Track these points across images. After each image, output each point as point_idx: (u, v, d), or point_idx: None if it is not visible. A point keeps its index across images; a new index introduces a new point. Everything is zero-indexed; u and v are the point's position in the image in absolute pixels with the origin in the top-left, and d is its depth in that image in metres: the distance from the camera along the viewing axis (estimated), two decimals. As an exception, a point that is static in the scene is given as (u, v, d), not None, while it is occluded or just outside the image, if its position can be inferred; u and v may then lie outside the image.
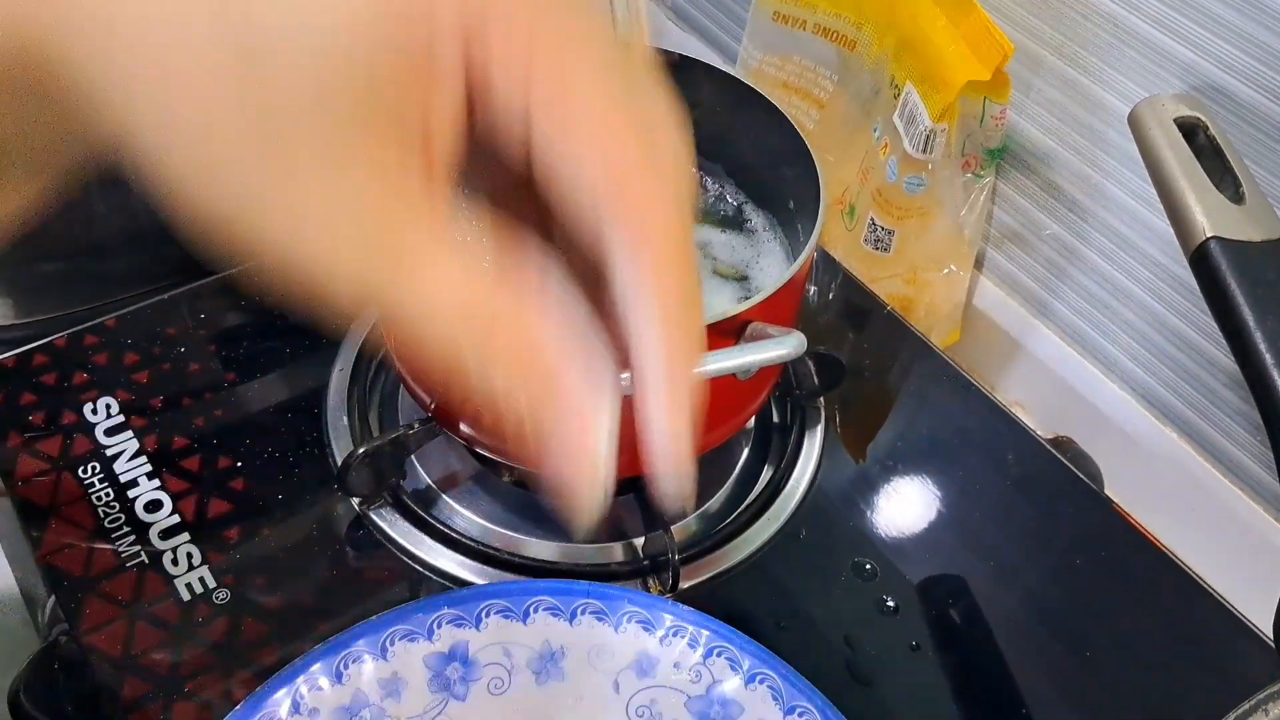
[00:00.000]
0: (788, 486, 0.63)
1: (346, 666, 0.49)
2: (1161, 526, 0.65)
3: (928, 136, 0.80)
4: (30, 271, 0.65)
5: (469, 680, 0.51)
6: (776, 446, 0.65)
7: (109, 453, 0.60)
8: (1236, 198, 0.50)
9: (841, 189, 0.92)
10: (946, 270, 0.89)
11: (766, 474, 0.64)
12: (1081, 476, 0.65)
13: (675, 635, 0.51)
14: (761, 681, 0.50)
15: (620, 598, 0.51)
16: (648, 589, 0.58)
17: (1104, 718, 0.56)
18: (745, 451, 0.65)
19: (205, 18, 0.22)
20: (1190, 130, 0.53)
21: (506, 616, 0.51)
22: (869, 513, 0.63)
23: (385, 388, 0.66)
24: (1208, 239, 0.48)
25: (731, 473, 0.64)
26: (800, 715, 0.49)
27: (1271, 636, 0.45)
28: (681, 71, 0.62)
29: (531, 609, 0.51)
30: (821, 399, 0.67)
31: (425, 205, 0.24)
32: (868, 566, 0.60)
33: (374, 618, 0.51)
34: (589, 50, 0.25)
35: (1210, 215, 0.49)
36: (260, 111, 0.23)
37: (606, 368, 0.26)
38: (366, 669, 0.49)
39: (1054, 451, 0.66)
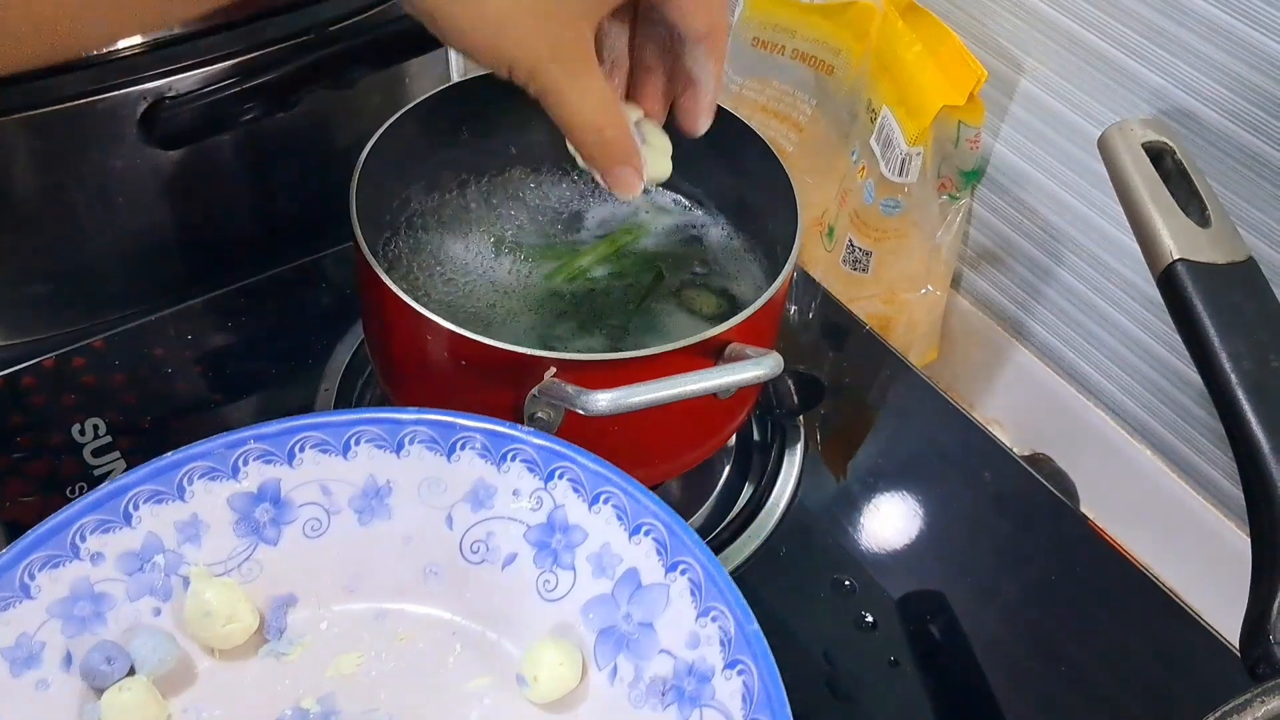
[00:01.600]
0: (768, 504, 0.63)
1: (136, 507, 0.44)
2: (1135, 541, 0.66)
3: (904, 160, 0.81)
4: (18, 293, 0.66)
5: (281, 523, 0.46)
6: (757, 464, 0.66)
7: (97, 474, 0.60)
8: (1203, 221, 0.51)
9: (820, 211, 0.94)
10: (924, 290, 0.90)
11: (747, 491, 0.65)
12: (1057, 493, 0.66)
13: (514, 459, 0.46)
14: (606, 501, 0.45)
15: (452, 425, 0.46)
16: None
17: (1079, 730, 0.57)
18: (726, 469, 0.66)
19: None
20: (1158, 155, 0.54)
21: (324, 450, 0.46)
22: (848, 529, 0.63)
23: (371, 406, 0.66)
24: (1174, 261, 0.49)
25: (712, 490, 0.65)
26: (647, 533, 0.45)
27: (1239, 650, 0.45)
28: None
29: (353, 440, 0.46)
30: (801, 417, 0.68)
31: (589, 37, 0.45)
32: (847, 583, 0.61)
33: (168, 454, 0.45)
34: None
35: (1177, 238, 0.50)
36: None
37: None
38: (161, 510, 0.45)
39: (1030, 469, 0.67)
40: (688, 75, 0.50)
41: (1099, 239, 0.82)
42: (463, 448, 0.46)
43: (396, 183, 0.60)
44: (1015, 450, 0.68)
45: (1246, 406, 0.45)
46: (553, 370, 0.48)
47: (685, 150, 0.64)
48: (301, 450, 0.46)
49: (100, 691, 0.44)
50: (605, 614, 0.45)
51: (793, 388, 0.69)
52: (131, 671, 0.44)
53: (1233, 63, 0.68)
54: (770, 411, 0.68)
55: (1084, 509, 0.66)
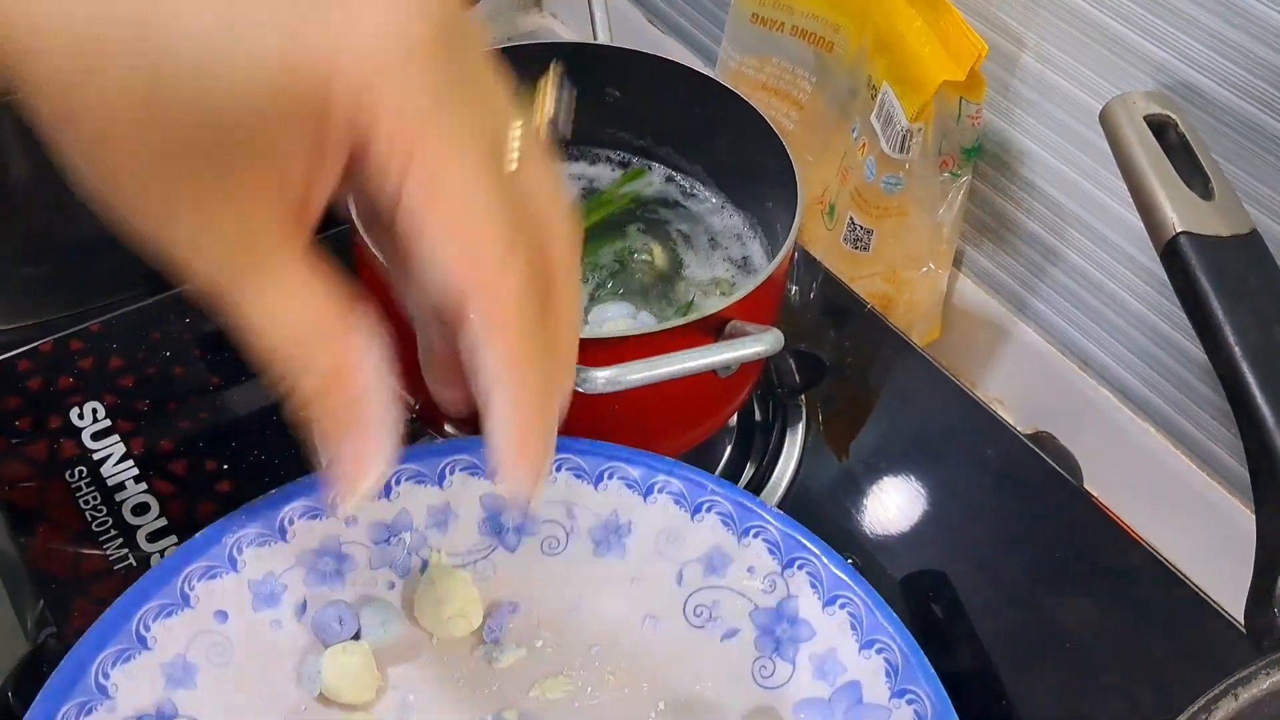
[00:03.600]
0: (770, 483, 0.63)
1: (399, 482, 0.46)
2: (1139, 519, 0.66)
3: (905, 136, 0.81)
4: (15, 276, 0.66)
5: (523, 533, 0.47)
6: (759, 444, 0.66)
7: (96, 456, 0.60)
8: (1206, 194, 0.51)
9: (821, 189, 0.93)
10: (925, 269, 0.90)
11: (749, 471, 0.64)
12: (1061, 471, 0.66)
13: (755, 536, 0.46)
14: (843, 606, 0.44)
15: (703, 484, 0.46)
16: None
17: (1084, 707, 0.57)
18: (728, 449, 0.66)
19: (127, 28, 0.24)
20: (1160, 127, 0.54)
21: (578, 476, 0.47)
22: (851, 509, 0.63)
23: (370, 390, 0.66)
24: (1177, 234, 0.49)
25: (714, 470, 0.65)
26: (879, 651, 0.43)
27: (1244, 624, 0.45)
28: (660, 74, 0.62)
29: (606, 474, 0.47)
30: (803, 397, 0.67)
31: (286, 242, 0.29)
32: (850, 562, 0.60)
33: (437, 442, 0.47)
34: (469, 156, 0.28)
35: (1180, 211, 0.50)
36: (158, 131, 0.25)
37: (395, 418, 0.32)
38: (419, 491, 0.46)
39: (1033, 447, 0.67)
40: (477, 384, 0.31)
41: (1101, 215, 0.81)
42: (708, 510, 0.46)
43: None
44: (1018, 428, 0.68)
45: (1251, 379, 0.45)
46: (552, 349, 0.48)
47: (686, 128, 0.64)
48: (558, 470, 0.47)
49: (325, 647, 0.45)
50: (818, 719, 0.44)
51: (794, 367, 0.69)
52: (356, 636, 0.46)
53: (1238, 35, 0.67)
54: (772, 391, 0.67)
55: (1088, 486, 0.66)
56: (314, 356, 0.30)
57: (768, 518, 0.46)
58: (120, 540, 0.57)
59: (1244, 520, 0.78)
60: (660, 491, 0.47)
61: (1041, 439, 0.68)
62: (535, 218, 0.30)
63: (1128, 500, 0.73)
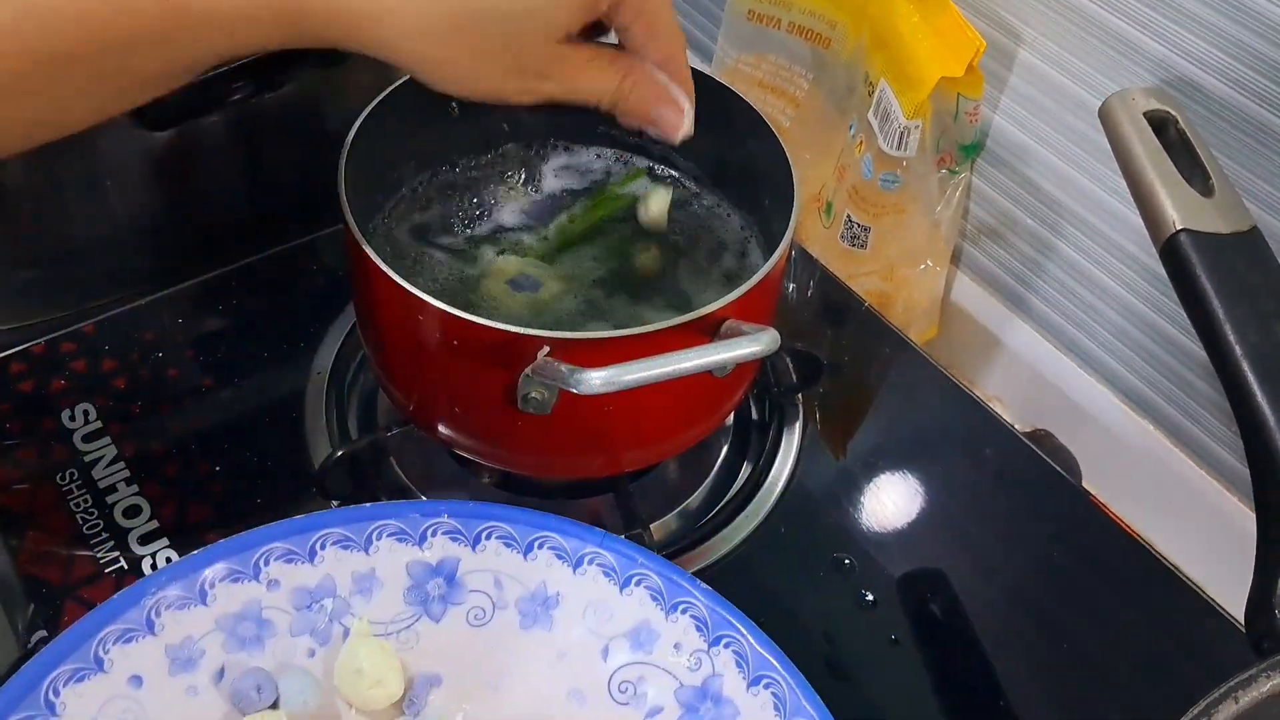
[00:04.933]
0: (767, 483, 0.63)
1: (323, 547, 0.45)
2: (1138, 517, 0.65)
3: (902, 133, 0.81)
4: (6, 278, 0.65)
5: (449, 602, 0.47)
6: (755, 443, 0.66)
7: (87, 459, 0.60)
8: (1206, 190, 0.51)
9: (818, 187, 0.93)
10: (923, 266, 0.89)
11: (745, 470, 0.64)
12: (1059, 469, 0.65)
13: (683, 612, 0.46)
14: (767, 686, 0.44)
15: (633, 557, 0.46)
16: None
17: (1082, 707, 0.57)
18: (724, 448, 0.66)
19: None
20: (1160, 124, 0.53)
21: (508, 545, 0.47)
22: (848, 508, 0.63)
23: (364, 391, 0.66)
24: (1177, 231, 0.49)
25: (710, 470, 0.64)
26: None
27: (1244, 626, 0.45)
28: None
29: (537, 544, 0.47)
30: (800, 396, 0.67)
31: (566, 53, 0.47)
32: (846, 561, 0.60)
33: (366, 504, 0.47)
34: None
35: (1180, 208, 0.49)
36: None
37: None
38: (345, 557, 0.46)
39: (1031, 445, 0.67)
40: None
41: (1100, 212, 0.81)
42: (637, 584, 0.46)
43: (387, 162, 0.60)
44: (1016, 427, 0.68)
45: (1251, 377, 0.45)
46: (546, 349, 0.47)
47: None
48: (488, 538, 0.47)
49: (243, 715, 0.44)
50: None
51: (791, 366, 0.68)
52: (275, 704, 0.45)
53: (1238, 30, 0.67)
54: (769, 390, 0.67)
55: (1086, 484, 0.66)
56: (625, 79, 0.49)
57: (696, 594, 0.46)
58: (112, 543, 0.57)
59: (1242, 518, 0.77)
60: (591, 563, 0.47)
61: (1039, 437, 0.68)
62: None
63: (1126, 499, 0.73)
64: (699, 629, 0.46)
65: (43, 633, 0.54)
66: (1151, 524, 0.66)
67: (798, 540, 0.61)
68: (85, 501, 0.58)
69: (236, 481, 0.60)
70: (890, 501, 0.64)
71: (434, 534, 0.47)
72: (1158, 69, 0.72)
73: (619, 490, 0.60)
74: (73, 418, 0.62)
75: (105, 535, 0.57)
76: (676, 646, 0.46)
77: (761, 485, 0.63)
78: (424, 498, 0.61)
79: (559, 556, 0.47)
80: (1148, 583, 0.61)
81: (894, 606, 0.59)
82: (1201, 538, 0.76)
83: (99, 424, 0.61)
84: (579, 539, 0.47)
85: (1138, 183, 0.51)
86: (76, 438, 0.61)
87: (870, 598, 0.59)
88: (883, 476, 0.65)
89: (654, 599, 0.46)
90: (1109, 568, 0.62)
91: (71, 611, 0.54)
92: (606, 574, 0.47)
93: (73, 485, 0.59)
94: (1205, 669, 0.58)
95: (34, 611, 0.55)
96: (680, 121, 0.51)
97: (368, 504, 0.47)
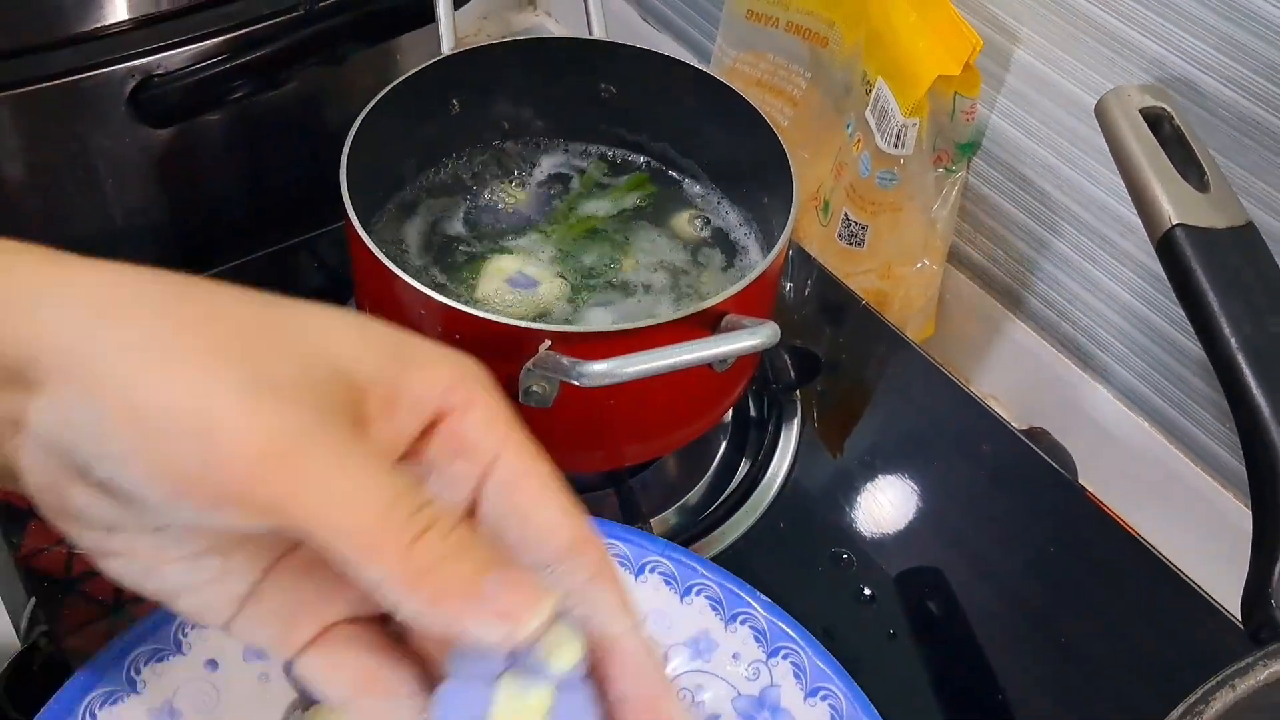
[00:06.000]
0: (765, 479, 0.63)
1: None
2: (1133, 513, 0.66)
3: (899, 131, 0.81)
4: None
5: None
6: (754, 439, 0.66)
7: (88, 455, 0.60)
8: (1201, 186, 0.51)
9: (816, 185, 0.93)
10: (920, 264, 0.90)
11: (744, 467, 0.64)
12: (1055, 466, 0.66)
13: (742, 623, 0.46)
14: (824, 698, 0.45)
15: (694, 568, 0.46)
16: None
17: (1079, 701, 0.57)
18: (723, 445, 0.66)
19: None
20: (1156, 120, 0.54)
21: None
22: (845, 504, 0.63)
23: (364, 387, 0.66)
24: (1173, 226, 0.49)
25: (709, 466, 0.65)
26: None
27: (1240, 618, 0.45)
28: (655, 69, 0.62)
29: None
30: (798, 392, 0.67)
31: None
32: (845, 557, 0.60)
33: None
34: (541, 467, 0.31)
35: (1175, 203, 0.50)
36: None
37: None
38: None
39: (1028, 442, 0.67)
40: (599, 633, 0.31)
41: (1096, 210, 0.81)
42: (697, 593, 0.46)
43: (388, 158, 0.60)
44: (1013, 424, 0.68)
45: (1247, 371, 0.45)
46: (547, 343, 0.48)
47: (682, 122, 0.64)
48: None
49: (306, 706, 0.42)
50: None
51: (789, 363, 0.68)
52: None
53: (1233, 30, 0.67)
54: (767, 387, 0.67)
55: (1082, 481, 0.66)
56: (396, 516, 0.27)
57: (755, 605, 0.46)
58: (113, 538, 0.57)
59: (1236, 514, 0.78)
60: (652, 571, 0.47)
61: (1036, 434, 0.68)
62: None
63: (1122, 495, 0.73)
64: (758, 640, 0.46)
65: (43, 628, 0.54)
66: (1147, 519, 0.66)
67: (796, 536, 0.61)
68: (86, 497, 0.58)
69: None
70: (888, 498, 0.64)
71: None
72: (1153, 68, 0.73)
73: (619, 486, 0.61)
74: (74, 414, 0.62)
75: (107, 530, 0.57)
76: (735, 656, 0.46)
77: (760, 481, 0.63)
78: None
79: (620, 563, 0.47)
80: (1143, 578, 0.62)
81: (892, 602, 0.59)
82: (1196, 533, 0.76)
83: (100, 420, 0.61)
84: (640, 547, 0.47)
85: (1133, 178, 0.51)
86: (77, 433, 0.61)
87: (868, 593, 0.59)
88: (880, 473, 0.65)
89: (714, 609, 0.46)
90: (1105, 563, 0.62)
91: (72, 607, 0.54)
92: (667, 582, 0.47)
93: (74, 480, 0.59)
94: (1200, 663, 0.58)
95: (34, 607, 0.55)
96: (498, 628, 0.27)
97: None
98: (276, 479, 0.25)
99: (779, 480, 0.63)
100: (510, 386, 0.50)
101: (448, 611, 0.26)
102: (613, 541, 0.47)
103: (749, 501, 0.62)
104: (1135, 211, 0.52)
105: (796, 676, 0.45)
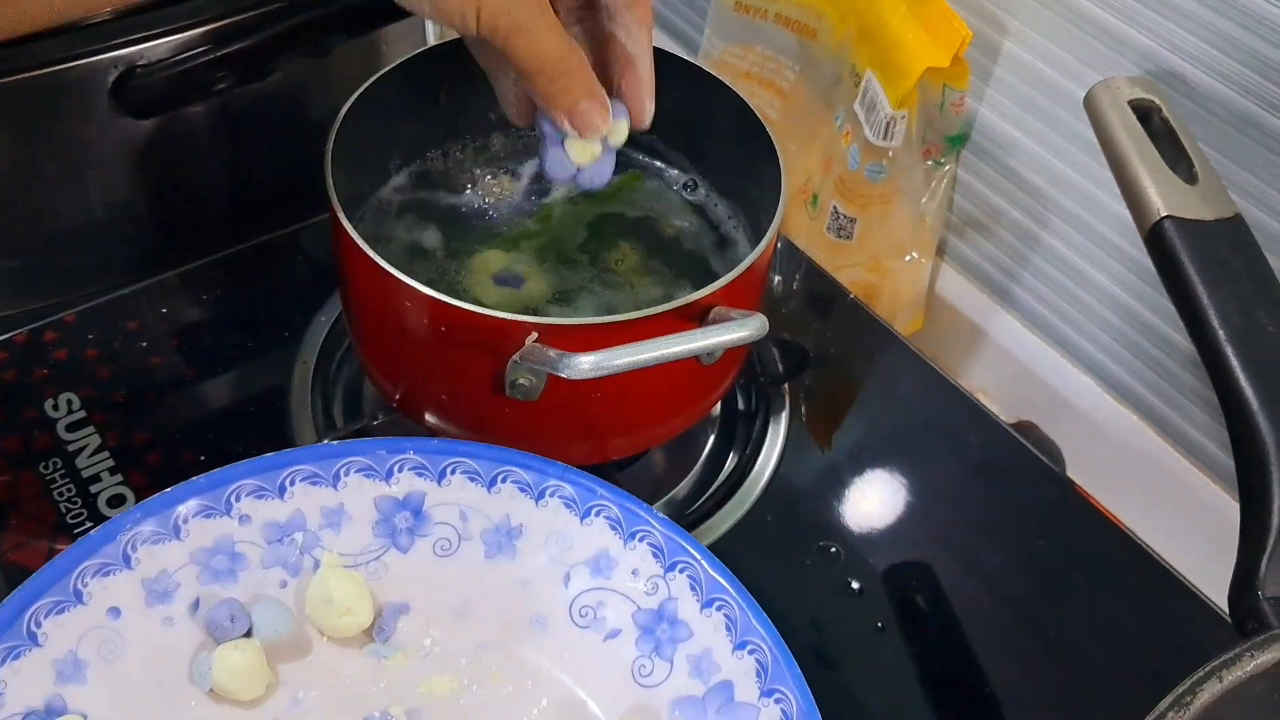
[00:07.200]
0: (753, 472, 0.63)
1: (293, 483, 0.47)
2: (1122, 507, 0.66)
3: (888, 124, 0.81)
4: (-12, 267, 0.65)
5: (416, 534, 0.49)
6: (741, 433, 0.66)
7: (70, 448, 0.60)
8: (1190, 178, 0.51)
9: (804, 178, 0.93)
10: (909, 257, 0.90)
11: (732, 460, 0.64)
12: (1044, 459, 0.66)
13: (641, 540, 0.48)
14: (719, 608, 0.46)
15: (593, 489, 0.48)
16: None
17: (1066, 693, 0.57)
18: (710, 438, 0.66)
19: None
20: (1145, 113, 0.54)
21: (472, 479, 0.49)
22: (833, 498, 0.63)
23: (349, 380, 0.66)
24: (1162, 218, 0.49)
25: (697, 459, 0.64)
26: (751, 652, 0.45)
27: (1228, 610, 0.45)
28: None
29: (500, 478, 0.49)
30: (786, 386, 0.67)
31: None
32: (832, 550, 0.60)
33: (333, 442, 0.49)
34: None
35: (1164, 195, 0.50)
36: None
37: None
38: (314, 492, 0.48)
39: (1017, 436, 0.67)
40: (622, 52, 0.50)
41: (1085, 203, 0.81)
42: (597, 514, 0.48)
43: (373, 149, 0.59)
44: (1002, 418, 0.68)
45: (1235, 362, 0.45)
46: (534, 335, 0.47)
47: (670, 116, 0.63)
48: (452, 473, 0.49)
49: (217, 644, 0.46)
50: (692, 716, 0.46)
51: (777, 356, 0.68)
52: (249, 633, 0.46)
53: (1222, 22, 0.67)
54: (755, 380, 0.67)
55: (1070, 474, 0.66)
56: (573, 53, 0.47)
57: (653, 522, 0.48)
58: (96, 532, 0.56)
59: (1224, 507, 0.78)
60: (552, 495, 0.49)
61: (1024, 428, 0.68)
62: None
63: (1110, 488, 0.73)
64: (655, 556, 0.48)
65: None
66: (1135, 513, 0.66)
67: (784, 529, 0.61)
68: (69, 491, 0.58)
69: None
70: (876, 491, 0.64)
71: (400, 470, 0.48)
72: (1143, 61, 0.73)
73: (607, 479, 0.60)
74: (56, 407, 0.61)
75: (89, 525, 0.57)
76: (634, 572, 0.48)
77: (748, 475, 0.63)
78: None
79: (521, 489, 0.49)
80: (1131, 571, 0.62)
81: (880, 594, 0.59)
82: (1184, 526, 0.76)
83: (82, 413, 0.61)
84: (540, 472, 0.49)
85: (1122, 170, 0.51)
86: (60, 427, 0.60)
87: (856, 586, 0.59)
88: (869, 466, 0.65)
89: (613, 528, 0.48)
90: (1093, 556, 0.62)
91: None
92: (567, 505, 0.49)
93: (56, 475, 0.58)
94: (1187, 656, 0.58)
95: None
96: (600, 121, 0.49)
97: (335, 442, 0.49)
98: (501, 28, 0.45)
99: (767, 474, 0.63)
100: (497, 380, 0.50)
101: (568, 112, 0.48)
102: (511, 468, 0.49)
103: (737, 495, 0.62)
104: (1124, 204, 0.52)
105: (693, 589, 0.47)
